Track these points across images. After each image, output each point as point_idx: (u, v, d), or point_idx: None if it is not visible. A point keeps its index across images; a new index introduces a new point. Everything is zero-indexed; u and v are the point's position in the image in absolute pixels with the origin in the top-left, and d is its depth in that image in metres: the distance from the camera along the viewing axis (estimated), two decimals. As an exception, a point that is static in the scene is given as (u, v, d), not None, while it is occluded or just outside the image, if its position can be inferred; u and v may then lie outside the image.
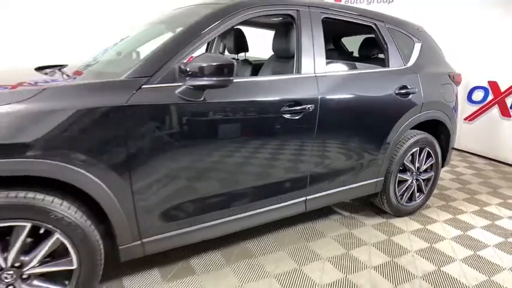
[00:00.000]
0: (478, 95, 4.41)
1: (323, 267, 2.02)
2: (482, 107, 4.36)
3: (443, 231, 2.50)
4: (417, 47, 2.60)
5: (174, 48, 1.59)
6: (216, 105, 1.63)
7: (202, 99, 1.58)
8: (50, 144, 1.30)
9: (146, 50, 1.91)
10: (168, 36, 1.75)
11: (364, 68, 2.45)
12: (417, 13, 4.06)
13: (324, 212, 2.67)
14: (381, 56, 2.68)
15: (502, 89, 4.14)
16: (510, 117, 4.10)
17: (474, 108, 4.45)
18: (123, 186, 1.48)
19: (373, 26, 2.39)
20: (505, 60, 4.07)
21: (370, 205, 2.81)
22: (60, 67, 2.24)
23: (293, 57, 2.08)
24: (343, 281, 1.91)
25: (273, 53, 2.43)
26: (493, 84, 4.23)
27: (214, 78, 1.48)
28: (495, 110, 4.24)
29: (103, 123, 1.40)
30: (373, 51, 2.74)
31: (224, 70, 1.48)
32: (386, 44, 2.42)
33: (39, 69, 2.14)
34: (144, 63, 1.55)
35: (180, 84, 1.54)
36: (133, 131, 1.46)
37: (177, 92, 1.53)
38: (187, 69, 1.49)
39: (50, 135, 1.29)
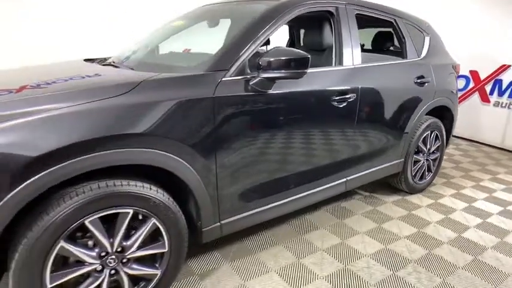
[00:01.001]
0: (460, 83, 4.84)
1: (363, 240, 2.25)
2: (464, 93, 4.81)
3: (453, 204, 2.83)
4: (427, 40, 2.87)
5: (244, 43, 1.70)
6: (283, 95, 1.78)
7: (272, 90, 1.71)
8: (153, 133, 1.38)
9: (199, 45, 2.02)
10: (208, 31, 1.84)
11: (384, 60, 2.67)
12: (404, 6, 4.36)
13: (347, 194, 2.90)
14: (392, 48, 2.94)
15: (482, 77, 4.60)
16: (489, 102, 4.58)
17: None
18: (209, 171, 1.59)
19: (393, 22, 2.62)
20: (484, 52, 4.51)
21: (384, 185, 3.08)
22: (104, 59, 2.27)
23: (325, 50, 2.26)
24: (385, 250, 2.15)
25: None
26: (474, 73, 4.67)
27: (291, 71, 1.62)
28: (476, 97, 4.71)
29: (195, 113, 1.50)
30: (386, 44, 2.98)
31: (300, 63, 1.62)
32: (404, 37, 2.66)
33: (87, 61, 2.16)
34: (220, 58, 1.65)
35: (253, 76, 1.66)
36: (218, 120, 1.57)
37: (251, 83, 1.65)
38: (265, 63, 1.61)
39: (152, 125, 1.38)
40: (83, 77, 1.60)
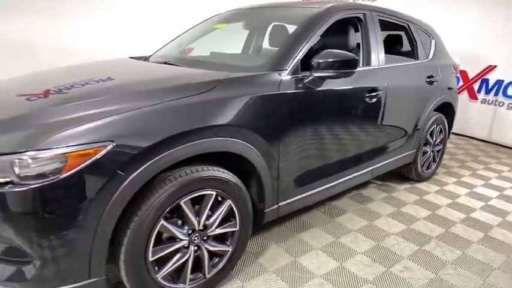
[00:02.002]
0: (450, 82, 5.26)
1: (387, 222, 2.52)
2: (454, 92, 5.22)
3: (457, 190, 3.17)
4: (433, 43, 3.19)
5: (297, 46, 1.92)
6: (329, 91, 2.01)
7: (321, 87, 1.94)
8: (233, 124, 1.58)
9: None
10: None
11: (399, 61, 2.96)
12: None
13: (363, 183, 3.16)
14: (401, 50, 3.23)
15: (470, 76, 5.02)
16: (477, 100, 5.01)
17: (446, 93, 5.30)
18: (273, 157, 1.79)
19: (406, 26, 2.91)
20: (472, 53, 4.93)
21: (393, 175, 3.37)
22: (146, 57, 2.42)
23: (351, 51, 2.51)
24: (408, 230, 2.43)
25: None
26: (463, 73, 5.08)
27: (341, 71, 1.85)
28: (464, 94, 5.13)
29: (264, 107, 1.71)
30: (397, 46, 3.27)
31: (349, 64, 1.85)
32: (415, 40, 2.96)
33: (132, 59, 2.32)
34: (279, 59, 1.86)
35: (305, 75, 1.88)
36: (281, 113, 1.78)
37: (305, 81, 1.87)
38: (317, 64, 1.83)
39: (233, 117, 1.58)
40: (170, 75, 1.79)
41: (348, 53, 1.88)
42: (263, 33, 2.44)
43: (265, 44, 2.47)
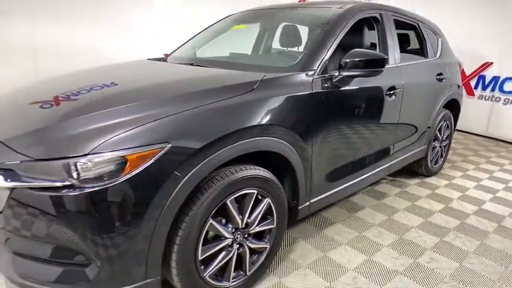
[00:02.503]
0: (447, 79, 5.41)
1: (405, 216, 2.60)
2: (452, 88, 5.37)
3: (465, 183, 3.28)
4: (440, 41, 3.29)
5: (325, 46, 1.96)
6: (355, 90, 2.06)
7: (348, 86, 1.99)
8: (273, 123, 1.61)
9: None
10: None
11: (411, 59, 3.04)
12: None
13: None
14: (412, 48, 3.32)
15: (467, 73, 5.17)
16: (474, 96, 5.17)
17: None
18: (307, 155, 1.84)
19: (416, 25, 3.00)
20: (469, 50, 5.07)
21: (402, 171, 3.45)
22: (162, 59, 2.44)
23: (369, 49, 2.58)
24: (426, 223, 2.51)
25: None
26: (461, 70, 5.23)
27: (370, 70, 1.91)
28: (462, 91, 5.27)
29: (299, 106, 1.75)
30: (408, 44, 3.35)
31: (378, 63, 1.91)
32: (425, 39, 3.05)
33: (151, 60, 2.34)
34: (309, 59, 1.90)
35: (332, 74, 1.93)
36: (314, 112, 1.83)
37: (334, 80, 1.92)
38: (346, 63, 1.88)
39: (272, 116, 1.61)
40: (209, 77, 1.83)
41: (377, 52, 1.94)
42: (288, 34, 2.48)
43: (284, 45, 2.50)
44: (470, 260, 2.10)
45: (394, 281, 1.88)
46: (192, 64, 2.16)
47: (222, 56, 2.53)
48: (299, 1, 5.27)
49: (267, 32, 2.77)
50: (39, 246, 1.29)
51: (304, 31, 2.32)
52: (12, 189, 1.22)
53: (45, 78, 2.03)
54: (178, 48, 2.81)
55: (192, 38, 2.87)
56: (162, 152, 1.25)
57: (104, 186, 1.17)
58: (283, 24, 2.52)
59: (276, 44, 2.75)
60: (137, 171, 1.21)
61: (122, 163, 1.19)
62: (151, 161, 1.23)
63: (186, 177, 1.32)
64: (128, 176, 1.20)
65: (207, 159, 1.37)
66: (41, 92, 1.68)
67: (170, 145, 1.27)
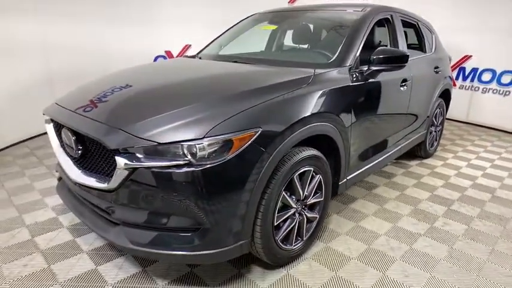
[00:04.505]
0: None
1: (415, 191, 3.00)
2: (435, 80, 5.89)
3: (457, 163, 3.75)
4: (434, 38, 3.70)
5: (355, 44, 2.29)
6: (380, 82, 2.40)
7: (375, 78, 2.33)
8: (326, 110, 1.92)
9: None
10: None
11: (414, 54, 3.42)
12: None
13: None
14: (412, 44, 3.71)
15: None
16: (455, 86, 5.71)
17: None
18: (347, 137, 2.15)
19: (416, 24, 3.39)
20: (451, 44, 5.58)
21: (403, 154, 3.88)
22: (195, 56, 2.70)
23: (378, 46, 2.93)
24: (433, 196, 2.92)
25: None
26: (443, 63, 5.76)
27: (395, 65, 2.25)
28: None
29: (343, 96, 2.07)
30: (408, 41, 3.73)
31: (402, 59, 2.25)
32: (423, 36, 3.44)
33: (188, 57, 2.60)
34: (344, 55, 2.21)
35: (365, 68, 2.26)
36: (353, 100, 2.16)
37: (365, 74, 2.25)
38: (376, 59, 2.21)
39: (325, 105, 1.92)
40: (269, 73, 2.11)
41: (400, 50, 2.28)
42: (318, 34, 2.80)
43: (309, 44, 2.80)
44: (475, 222, 2.52)
45: (419, 241, 2.25)
46: (235, 61, 2.42)
47: (255, 52, 2.80)
48: None
49: (293, 31, 3.06)
50: (153, 217, 1.54)
51: (328, 31, 2.63)
52: (132, 170, 1.46)
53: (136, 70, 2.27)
54: (206, 46, 3.05)
55: (218, 37, 3.11)
56: (256, 135, 1.53)
57: (216, 164, 1.44)
58: (311, 25, 2.83)
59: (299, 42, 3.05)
60: (239, 151, 1.48)
61: (229, 144, 1.46)
62: (249, 142, 1.50)
63: (272, 155, 1.60)
64: (233, 154, 1.47)
65: (285, 140, 1.66)
66: (149, 85, 1.99)
67: (261, 129, 1.54)
